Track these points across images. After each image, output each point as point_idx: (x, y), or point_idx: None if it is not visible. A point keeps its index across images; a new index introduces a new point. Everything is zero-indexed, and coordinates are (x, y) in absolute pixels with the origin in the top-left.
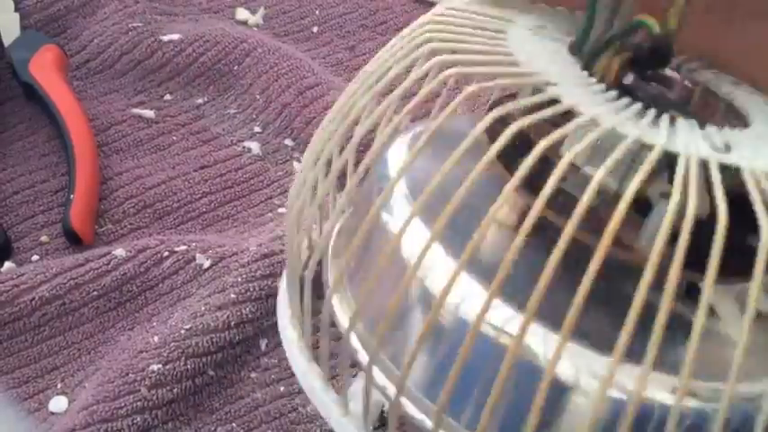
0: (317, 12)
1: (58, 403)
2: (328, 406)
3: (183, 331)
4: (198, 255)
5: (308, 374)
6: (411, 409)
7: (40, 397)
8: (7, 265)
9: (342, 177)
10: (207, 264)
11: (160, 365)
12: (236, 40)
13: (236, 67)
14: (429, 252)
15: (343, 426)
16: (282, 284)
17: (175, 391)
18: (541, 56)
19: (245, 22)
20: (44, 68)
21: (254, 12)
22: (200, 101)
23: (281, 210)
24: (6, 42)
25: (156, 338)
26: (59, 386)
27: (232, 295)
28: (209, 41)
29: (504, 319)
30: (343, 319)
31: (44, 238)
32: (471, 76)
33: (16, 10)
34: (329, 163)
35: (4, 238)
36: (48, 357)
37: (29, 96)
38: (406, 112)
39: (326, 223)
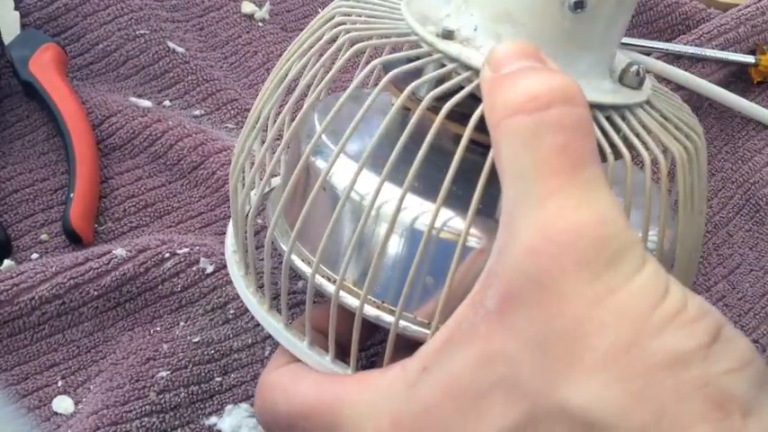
0: (319, 10)
1: (62, 403)
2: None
3: (191, 343)
4: (202, 258)
5: (248, 296)
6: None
7: (39, 394)
8: (7, 263)
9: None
10: (210, 269)
11: (168, 372)
12: (241, 58)
13: (237, 84)
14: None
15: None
16: (228, 239)
17: (182, 395)
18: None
19: (251, 16)
20: (44, 67)
21: (260, 5)
22: (197, 112)
23: None
24: (6, 41)
25: (165, 346)
26: (60, 384)
27: (231, 311)
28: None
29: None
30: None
31: (44, 237)
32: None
33: (16, 8)
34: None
35: (3, 236)
36: (47, 354)
37: (28, 95)
38: (326, 82)
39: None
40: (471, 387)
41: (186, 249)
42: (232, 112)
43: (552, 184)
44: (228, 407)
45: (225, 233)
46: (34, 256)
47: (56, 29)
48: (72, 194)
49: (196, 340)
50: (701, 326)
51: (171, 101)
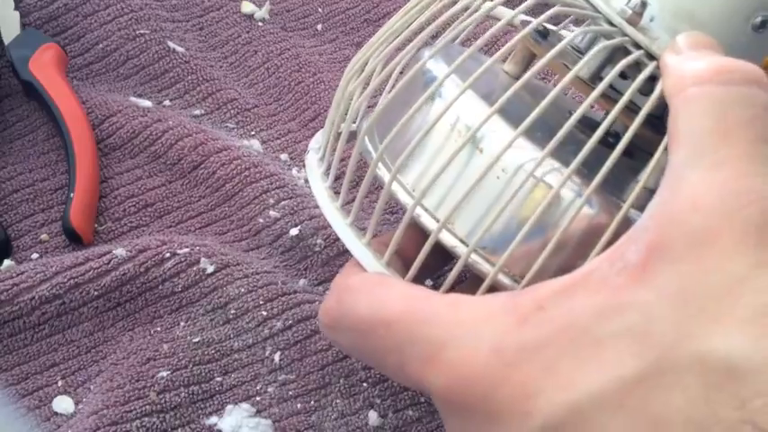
0: (319, 9)
1: (62, 403)
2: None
3: (191, 343)
4: (203, 258)
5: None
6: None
7: (39, 394)
8: (7, 263)
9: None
10: (211, 269)
11: (168, 372)
12: (241, 58)
13: (237, 84)
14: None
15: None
16: (313, 143)
17: (183, 395)
18: None
19: (251, 16)
20: (44, 67)
21: (260, 5)
22: (197, 112)
23: (272, 213)
24: (6, 40)
25: (165, 346)
26: (60, 384)
27: (232, 311)
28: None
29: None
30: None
31: (44, 237)
32: None
33: (16, 8)
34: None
35: (3, 236)
36: (47, 354)
37: (28, 94)
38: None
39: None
40: (592, 332)
41: (187, 249)
42: (232, 111)
43: (731, 152)
44: (229, 407)
45: (225, 233)
46: (34, 255)
47: (56, 29)
48: (72, 194)
49: (196, 340)
50: None
51: (171, 100)
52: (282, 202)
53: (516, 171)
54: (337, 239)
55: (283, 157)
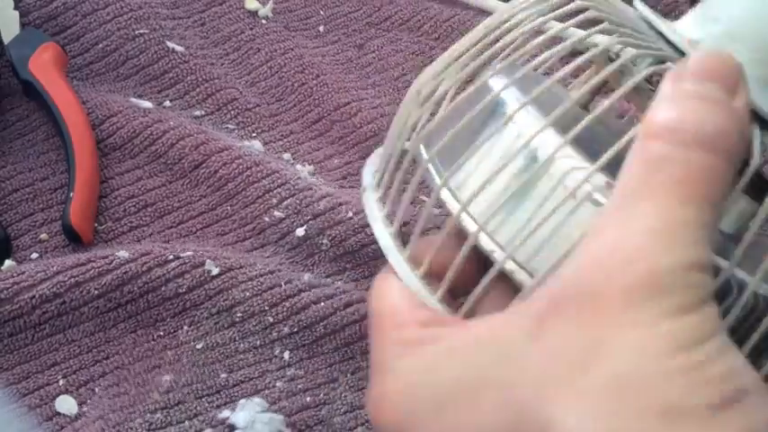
0: (321, 12)
1: (65, 403)
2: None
3: (195, 350)
4: (207, 260)
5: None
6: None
7: (41, 393)
8: (7, 262)
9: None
10: (216, 271)
11: (172, 375)
12: (243, 55)
13: (238, 83)
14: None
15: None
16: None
17: (186, 391)
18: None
19: (254, 13)
20: (43, 66)
21: (263, 2)
22: (198, 113)
23: (276, 213)
24: (6, 40)
25: (169, 353)
26: (61, 383)
27: (238, 314)
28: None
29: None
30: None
31: (44, 236)
32: None
33: (16, 8)
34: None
35: (3, 235)
36: (48, 353)
37: (28, 94)
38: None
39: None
40: (476, 382)
41: (190, 253)
42: (233, 112)
43: (645, 207)
44: (242, 401)
45: (227, 233)
46: (34, 255)
47: (55, 28)
48: (72, 194)
49: (200, 347)
50: (718, 385)
51: (171, 101)
52: (286, 201)
53: (578, 193)
54: (343, 240)
55: (286, 156)
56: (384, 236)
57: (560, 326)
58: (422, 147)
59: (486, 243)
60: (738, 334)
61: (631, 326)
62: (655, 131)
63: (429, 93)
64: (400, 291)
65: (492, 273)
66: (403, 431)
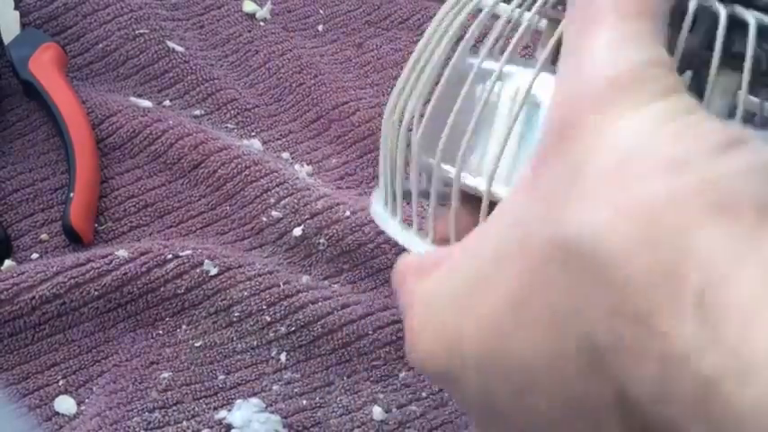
0: (320, 11)
1: (64, 403)
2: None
3: (193, 348)
4: (206, 260)
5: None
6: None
7: (41, 393)
8: (7, 263)
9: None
10: (214, 271)
11: (171, 373)
12: (242, 57)
13: (238, 84)
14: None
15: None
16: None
17: (185, 391)
18: None
19: (252, 16)
20: (44, 66)
21: (261, 5)
22: (197, 112)
23: (274, 212)
24: (6, 40)
25: (167, 351)
26: (61, 383)
27: (236, 314)
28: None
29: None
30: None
31: (44, 237)
32: None
33: (16, 8)
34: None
35: (3, 235)
36: (47, 354)
37: (28, 94)
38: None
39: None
40: (493, 259)
41: (189, 252)
42: (232, 111)
43: (590, 38)
44: (239, 401)
45: (226, 233)
46: (34, 255)
47: (55, 28)
48: (72, 194)
49: (198, 344)
50: (716, 134)
51: (171, 101)
52: (283, 201)
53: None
54: (340, 239)
55: (285, 155)
56: (391, 225)
57: (548, 169)
58: (423, 155)
59: (470, 180)
60: None
61: (611, 122)
62: None
63: (400, 112)
64: (413, 254)
65: (485, 199)
66: (439, 346)
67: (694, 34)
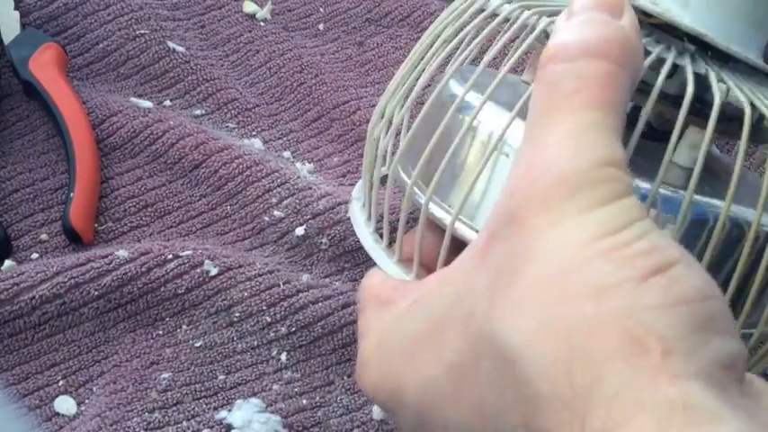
0: (321, 9)
1: (64, 404)
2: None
3: (193, 348)
4: (206, 261)
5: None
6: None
7: (40, 393)
8: (7, 263)
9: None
10: (214, 271)
11: (170, 373)
12: (242, 57)
13: (238, 84)
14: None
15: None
16: (355, 193)
17: (185, 392)
18: None
19: (253, 16)
20: (44, 66)
21: (261, 5)
22: (198, 112)
23: (276, 212)
24: (6, 40)
25: (168, 351)
26: (61, 384)
27: (236, 314)
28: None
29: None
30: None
31: (44, 237)
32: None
33: (16, 8)
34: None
35: (3, 235)
36: (47, 354)
37: (28, 94)
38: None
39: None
40: (442, 320)
41: (189, 252)
42: (233, 111)
43: (551, 122)
44: (239, 401)
45: (227, 233)
46: (34, 255)
47: (56, 28)
48: (72, 194)
49: (198, 345)
50: (642, 259)
51: (171, 101)
52: (285, 201)
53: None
54: (342, 239)
55: (286, 154)
56: (363, 233)
57: (497, 247)
58: (401, 171)
59: (437, 211)
60: (727, 266)
61: (551, 227)
62: (547, 57)
63: (380, 113)
64: (380, 274)
65: (448, 233)
66: (382, 386)
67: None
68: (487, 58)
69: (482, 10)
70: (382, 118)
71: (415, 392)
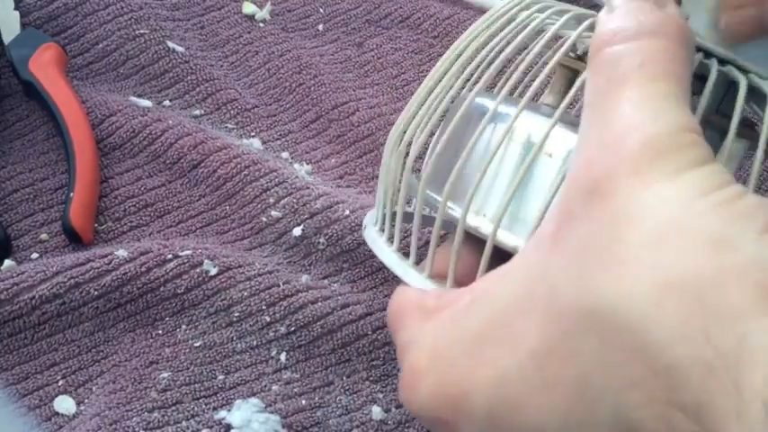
0: (320, 10)
1: (64, 403)
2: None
3: (193, 348)
4: (206, 260)
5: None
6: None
7: (40, 393)
8: (7, 263)
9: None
10: (214, 271)
11: (170, 373)
12: (241, 58)
13: (237, 84)
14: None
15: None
16: (367, 221)
17: (184, 392)
18: None
19: (252, 17)
20: (44, 66)
21: (260, 6)
22: (197, 112)
23: (274, 212)
24: (6, 40)
25: (167, 350)
26: (61, 383)
27: (236, 314)
28: (214, 56)
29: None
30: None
31: (44, 236)
32: None
33: (16, 8)
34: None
35: (3, 235)
36: (47, 354)
37: (28, 94)
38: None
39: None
40: (508, 315)
41: (189, 252)
42: (232, 111)
43: (618, 97)
44: (238, 401)
45: (226, 232)
46: (34, 255)
47: (56, 28)
48: (72, 194)
49: (198, 344)
50: (757, 213)
51: (171, 100)
52: (283, 200)
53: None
54: (339, 239)
55: (284, 155)
56: (386, 253)
57: (576, 225)
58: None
59: (473, 221)
60: None
61: (645, 188)
62: (600, 43)
63: (407, 144)
64: (414, 289)
65: (490, 239)
66: (443, 396)
67: (703, 98)
68: (523, 66)
69: (512, 19)
70: (399, 145)
71: (487, 394)
